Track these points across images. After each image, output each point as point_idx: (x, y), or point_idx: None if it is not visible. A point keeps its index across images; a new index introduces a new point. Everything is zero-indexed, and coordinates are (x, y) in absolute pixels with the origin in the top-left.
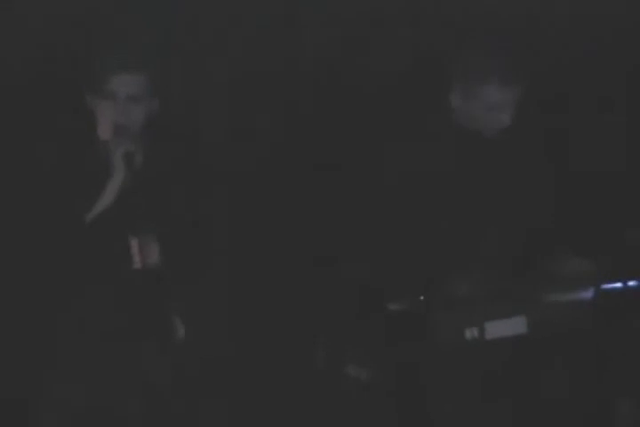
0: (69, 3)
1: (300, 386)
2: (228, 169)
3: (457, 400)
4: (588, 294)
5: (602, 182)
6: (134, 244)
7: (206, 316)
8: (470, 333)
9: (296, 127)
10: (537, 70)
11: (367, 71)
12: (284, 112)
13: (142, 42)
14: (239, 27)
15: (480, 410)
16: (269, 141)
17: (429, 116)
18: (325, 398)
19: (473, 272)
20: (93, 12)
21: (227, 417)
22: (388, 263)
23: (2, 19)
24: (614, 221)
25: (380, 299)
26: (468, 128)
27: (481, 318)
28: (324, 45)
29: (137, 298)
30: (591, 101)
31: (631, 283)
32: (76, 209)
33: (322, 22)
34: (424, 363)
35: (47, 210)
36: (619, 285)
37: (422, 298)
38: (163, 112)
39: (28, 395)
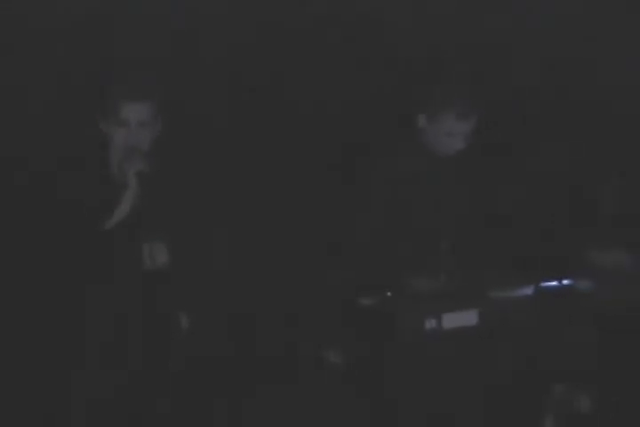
0: (81, 35)
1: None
2: (228, 180)
3: (417, 381)
4: (528, 290)
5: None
6: (145, 248)
7: (209, 313)
8: (429, 323)
9: (291, 140)
10: (494, 100)
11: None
12: (278, 124)
13: (149, 70)
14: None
15: (437, 390)
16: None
17: (402, 134)
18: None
19: (433, 272)
20: (105, 44)
21: (228, 414)
22: (360, 265)
23: (19, 48)
24: (554, 226)
25: (354, 295)
26: (430, 147)
27: (439, 310)
28: (301, 68)
29: (147, 295)
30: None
31: (565, 281)
32: (96, 219)
33: (301, 45)
34: (391, 349)
35: (72, 220)
36: (555, 283)
37: (389, 294)
38: (167, 131)
39: (37, 392)
